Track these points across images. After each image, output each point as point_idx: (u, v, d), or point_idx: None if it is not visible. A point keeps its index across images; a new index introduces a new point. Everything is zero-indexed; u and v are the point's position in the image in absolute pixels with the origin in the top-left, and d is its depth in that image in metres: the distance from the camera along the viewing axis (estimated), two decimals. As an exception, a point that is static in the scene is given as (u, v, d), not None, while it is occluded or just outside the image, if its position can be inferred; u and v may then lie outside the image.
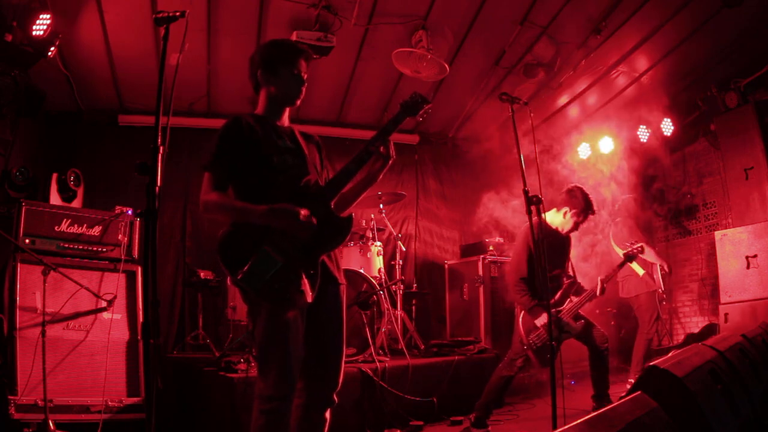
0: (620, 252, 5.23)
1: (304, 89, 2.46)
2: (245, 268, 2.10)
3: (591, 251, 5.97)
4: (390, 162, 2.41)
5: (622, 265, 4.39)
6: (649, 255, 5.01)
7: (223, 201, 2.22)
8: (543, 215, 4.16)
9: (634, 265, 5.13)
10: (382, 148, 2.37)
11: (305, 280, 2.16)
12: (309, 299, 2.15)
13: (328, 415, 2.29)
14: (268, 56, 2.47)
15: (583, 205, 4.10)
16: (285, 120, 2.51)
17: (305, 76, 2.46)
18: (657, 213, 7.40)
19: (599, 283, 4.07)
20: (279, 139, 2.36)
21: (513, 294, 4.04)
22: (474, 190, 6.73)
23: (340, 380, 2.31)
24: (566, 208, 4.15)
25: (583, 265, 5.82)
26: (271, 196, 2.19)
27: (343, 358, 2.33)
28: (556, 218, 4.20)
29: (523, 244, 4.01)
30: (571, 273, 4.30)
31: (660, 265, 5.35)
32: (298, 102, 2.48)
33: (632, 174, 6.84)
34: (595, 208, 4.18)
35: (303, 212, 2.15)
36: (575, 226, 4.17)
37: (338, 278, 2.37)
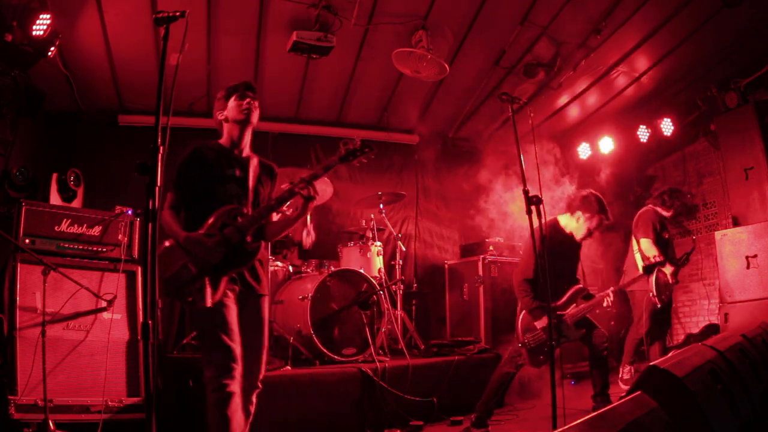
0: (635, 248, 5.15)
1: (253, 110, 2.84)
2: (169, 274, 2.60)
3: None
4: (312, 203, 2.73)
5: (639, 277, 4.33)
6: (667, 268, 4.88)
7: (168, 220, 2.71)
8: (555, 217, 4.16)
9: (638, 258, 5.06)
10: (305, 191, 2.68)
11: (208, 289, 2.57)
12: (208, 304, 2.55)
13: (254, 398, 2.74)
14: (219, 96, 2.92)
15: (597, 209, 4.04)
16: (245, 150, 2.91)
17: (254, 102, 2.85)
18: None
19: (609, 293, 4.02)
20: (228, 168, 2.80)
21: (516, 294, 4.03)
22: (474, 190, 6.73)
23: (263, 369, 2.77)
24: (579, 213, 4.08)
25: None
26: (205, 222, 2.65)
27: (264, 353, 2.78)
28: (570, 223, 4.15)
29: (533, 245, 3.99)
30: (579, 278, 4.28)
31: (667, 273, 4.98)
32: (252, 120, 2.84)
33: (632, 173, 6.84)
34: (609, 213, 4.12)
35: (209, 244, 2.58)
36: (589, 232, 4.10)
37: (258, 290, 2.80)
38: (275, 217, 3.14)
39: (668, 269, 4.91)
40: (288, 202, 2.80)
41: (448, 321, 6.28)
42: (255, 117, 2.87)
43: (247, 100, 2.84)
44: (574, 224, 4.13)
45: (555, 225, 4.17)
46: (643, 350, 5.11)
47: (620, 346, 6.60)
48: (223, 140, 2.91)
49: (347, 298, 4.66)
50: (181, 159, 2.79)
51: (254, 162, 2.93)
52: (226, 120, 2.88)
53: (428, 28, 5.02)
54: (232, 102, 2.85)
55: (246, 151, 2.93)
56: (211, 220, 2.67)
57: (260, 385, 2.76)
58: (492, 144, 7.43)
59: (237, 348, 2.57)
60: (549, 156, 5.72)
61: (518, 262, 4.22)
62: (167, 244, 2.65)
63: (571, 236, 4.15)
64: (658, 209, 5.24)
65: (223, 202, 2.71)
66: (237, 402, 2.51)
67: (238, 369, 2.54)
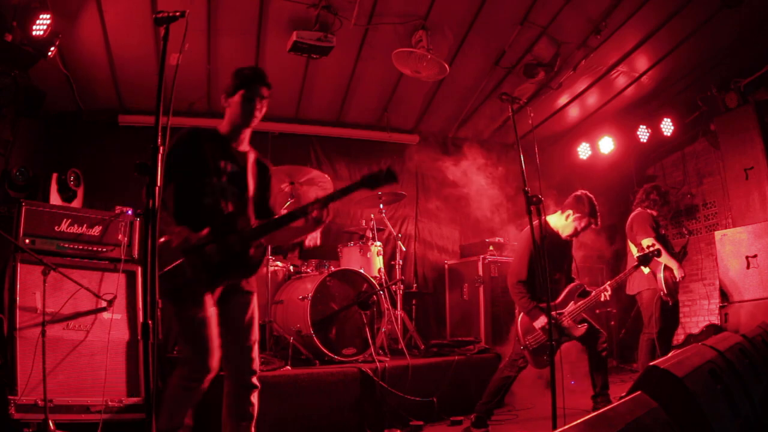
0: (634, 251, 5.15)
1: (255, 113, 2.67)
2: (164, 269, 2.46)
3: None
4: (322, 225, 2.60)
5: (635, 268, 4.31)
6: (664, 257, 4.80)
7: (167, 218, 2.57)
8: (545, 217, 4.15)
9: None
10: (316, 213, 2.53)
11: (205, 297, 2.52)
12: (203, 313, 2.48)
13: (254, 399, 2.64)
14: (230, 80, 2.71)
15: (588, 212, 4.04)
16: (244, 142, 2.77)
17: (263, 101, 2.68)
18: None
19: (606, 287, 4.02)
20: (222, 161, 2.65)
21: (512, 296, 4.03)
22: (474, 189, 6.73)
23: (255, 367, 2.66)
24: (570, 212, 4.09)
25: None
26: (198, 215, 2.53)
27: (254, 350, 2.67)
28: (559, 221, 4.15)
29: (525, 246, 3.99)
30: (574, 276, 4.27)
31: (673, 269, 4.92)
32: (253, 122, 2.69)
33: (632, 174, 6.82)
34: (599, 219, 4.12)
35: (192, 236, 2.44)
36: (575, 232, 4.11)
37: (245, 288, 2.70)
38: None
39: (673, 264, 4.89)
40: (297, 219, 2.60)
41: (448, 321, 6.28)
42: (257, 120, 2.71)
43: (255, 102, 2.65)
44: (562, 222, 4.13)
45: (545, 225, 4.17)
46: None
47: (620, 347, 6.62)
48: (223, 128, 2.74)
49: (347, 298, 4.66)
50: (173, 145, 2.58)
51: (251, 158, 2.78)
52: (228, 106, 2.71)
53: (428, 28, 5.02)
54: (237, 97, 2.66)
55: (244, 145, 2.78)
56: (203, 215, 2.54)
57: (258, 384, 2.65)
58: (492, 144, 7.45)
59: (215, 357, 2.51)
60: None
61: (510, 264, 4.20)
62: (163, 239, 2.49)
63: (557, 234, 4.15)
64: (648, 211, 5.23)
65: (213, 198, 2.58)
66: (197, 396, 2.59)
67: (209, 377, 2.51)
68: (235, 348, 2.62)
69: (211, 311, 2.53)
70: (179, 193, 2.61)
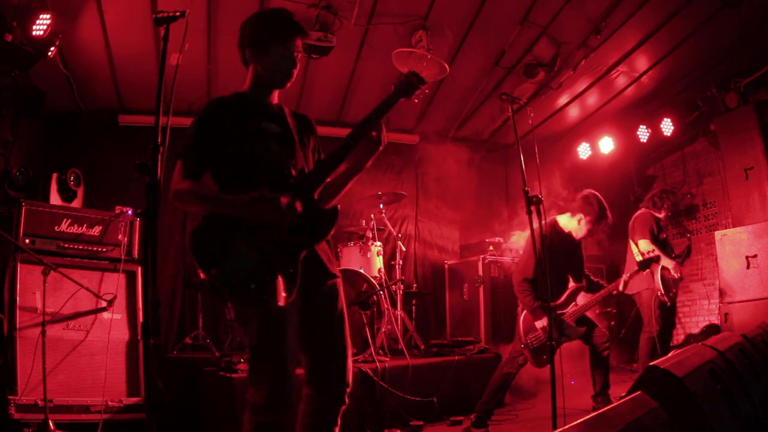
0: (635, 250, 5.17)
1: (295, 72, 2.26)
2: (219, 265, 1.95)
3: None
4: (380, 149, 2.18)
5: (634, 274, 4.34)
6: (664, 260, 4.82)
7: (196, 189, 2.07)
8: (554, 217, 4.20)
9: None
10: (373, 133, 2.14)
11: (281, 281, 1.96)
12: (282, 302, 1.94)
13: (340, 419, 2.16)
14: (258, 32, 2.23)
15: (598, 212, 4.10)
16: (274, 98, 2.33)
17: (298, 56, 2.26)
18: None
19: (606, 289, 4.11)
20: (264, 122, 2.22)
21: (516, 294, 4.05)
22: (474, 189, 6.73)
23: (349, 378, 2.14)
24: (581, 215, 4.14)
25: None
26: (251, 187, 2.02)
27: (349, 355, 2.15)
28: (570, 223, 4.20)
29: (532, 246, 4.01)
30: (582, 277, 4.29)
31: (670, 269, 4.96)
32: (288, 84, 2.29)
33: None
34: (609, 214, 4.17)
35: (283, 199, 1.97)
36: (589, 233, 4.19)
37: (332, 271, 2.20)
38: None
39: (669, 263, 4.90)
40: (353, 151, 2.15)
41: (448, 321, 6.28)
42: (294, 80, 2.28)
43: (294, 60, 2.22)
44: (574, 225, 4.17)
45: (554, 225, 4.20)
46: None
47: (620, 347, 6.62)
48: (247, 88, 2.28)
49: (347, 298, 4.65)
50: (202, 114, 2.17)
51: (287, 112, 2.34)
52: (256, 62, 2.24)
53: (428, 28, 5.01)
54: (269, 53, 2.20)
55: (276, 99, 2.34)
56: (258, 184, 2.02)
57: (347, 400, 2.13)
58: (492, 144, 7.45)
59: (294, 368, 2.02)
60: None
61: (517, 262, 4.23)
62: (194, 228, 2.07)
63: (569, 235, 4.18)
64: (652, 211, 5.27)
65: (268, 165, 2.13)
66: None
67: (290, 402, 1.99)
68: (326, 351, 2.10)
69: (289, 302, 1.97)
70: (223, 177, 2.13)
